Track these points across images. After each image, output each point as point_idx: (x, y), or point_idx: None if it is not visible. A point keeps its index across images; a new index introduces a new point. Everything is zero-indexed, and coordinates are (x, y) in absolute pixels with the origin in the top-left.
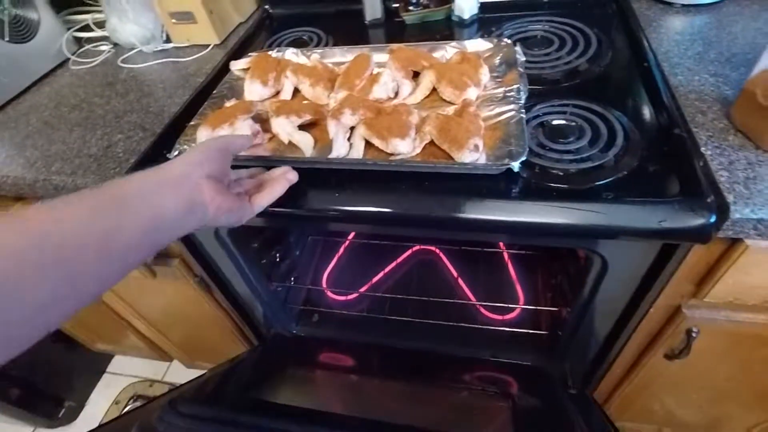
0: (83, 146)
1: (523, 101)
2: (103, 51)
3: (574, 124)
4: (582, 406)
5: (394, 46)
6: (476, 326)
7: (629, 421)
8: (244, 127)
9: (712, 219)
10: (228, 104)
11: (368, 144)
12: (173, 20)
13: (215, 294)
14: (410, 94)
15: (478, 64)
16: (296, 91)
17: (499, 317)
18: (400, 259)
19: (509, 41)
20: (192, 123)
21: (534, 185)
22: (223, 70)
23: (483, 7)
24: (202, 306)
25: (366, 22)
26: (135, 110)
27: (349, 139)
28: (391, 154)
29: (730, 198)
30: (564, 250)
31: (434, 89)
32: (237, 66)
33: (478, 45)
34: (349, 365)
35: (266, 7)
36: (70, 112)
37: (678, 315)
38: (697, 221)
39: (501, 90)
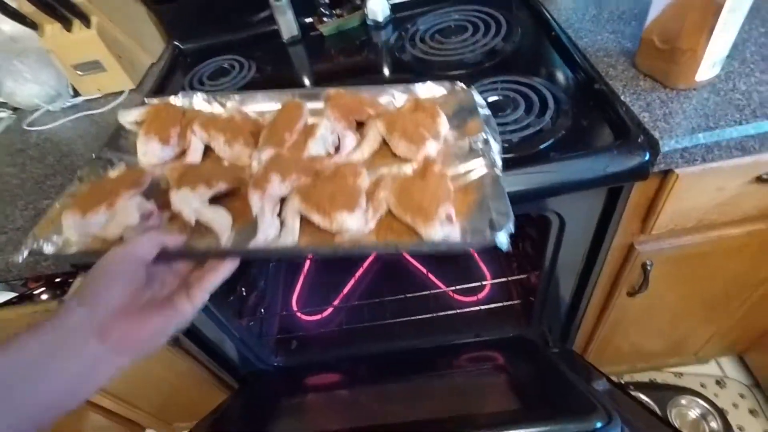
0: (6, 221)
1: (495, 153)
2: (2, 118)
3: (507, 97)
4: (567, 360)
5: (332, 90)
6: (454, 312)
7: (607, 365)
8: (130, 207)
9: (647, 156)
10: (112, 173)
11: (305, 219)
12: (78, 72)
13: (184, 345)
14: (355, 149)
15: (435, 113)
16: (207, 151)
17: (473, 298)
18: (365, 265)
19: (463, 85)
20: (57, 204)
21: None
22: None
23: (394, 8)
24: (171, 362)
25: (284, 41)
26: (58, 172)
27: (279, 214)
28: (337, 233)
29: (656, 134)
30: (521, 217)
31: (384, 143)
32: (128, 118)
33: (429, 90)
34: (340, 381)
35: (176, 43)
36: None
37: (632, 253)
38: (635, 160)
39: (465, 142)
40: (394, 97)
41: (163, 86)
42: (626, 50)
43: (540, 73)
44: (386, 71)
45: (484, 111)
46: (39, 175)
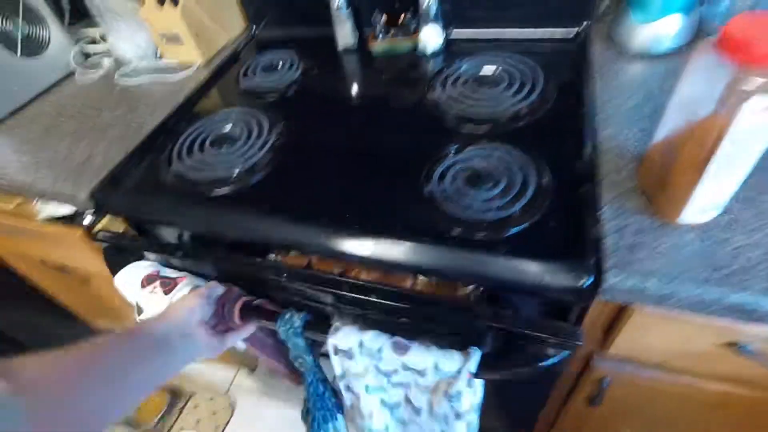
0: (69, 155)
1: None
2: (106, 64)
3: (496, 168)
4: None
5: None
6: None
7: None
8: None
9: (587, 283)
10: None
11: None
12: (163, 40)
13: None
14: None
15: None
16: None
17: None
18: None
19: None
20: None
21: (442, 230)
22: (203, 89)
23: (450, 42)
24: None
25: (339, 49)
26: (119, 124)
27: None
28: None
29: (609, 263)
30: None
31: None
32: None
33: None
34: None
35: (254, 28)
36: (66, 122)
37: (591, 363)
38: (573, 283)
39: None
40: None
41: (224, 68)
42: (643, 154)
43: (544, 152)
44: (412, 106)
45: None
46: (107, 123)
